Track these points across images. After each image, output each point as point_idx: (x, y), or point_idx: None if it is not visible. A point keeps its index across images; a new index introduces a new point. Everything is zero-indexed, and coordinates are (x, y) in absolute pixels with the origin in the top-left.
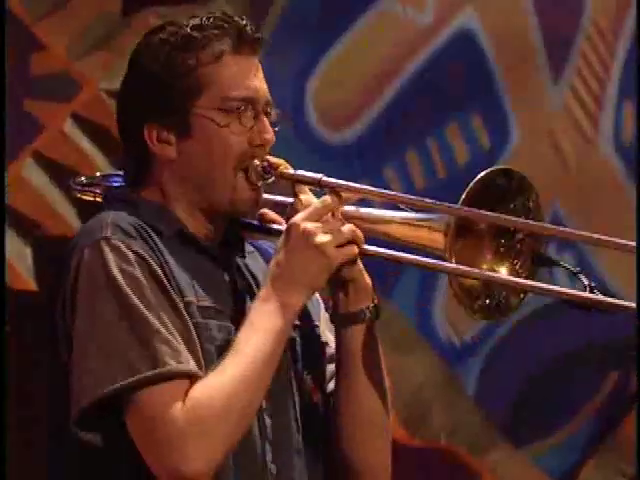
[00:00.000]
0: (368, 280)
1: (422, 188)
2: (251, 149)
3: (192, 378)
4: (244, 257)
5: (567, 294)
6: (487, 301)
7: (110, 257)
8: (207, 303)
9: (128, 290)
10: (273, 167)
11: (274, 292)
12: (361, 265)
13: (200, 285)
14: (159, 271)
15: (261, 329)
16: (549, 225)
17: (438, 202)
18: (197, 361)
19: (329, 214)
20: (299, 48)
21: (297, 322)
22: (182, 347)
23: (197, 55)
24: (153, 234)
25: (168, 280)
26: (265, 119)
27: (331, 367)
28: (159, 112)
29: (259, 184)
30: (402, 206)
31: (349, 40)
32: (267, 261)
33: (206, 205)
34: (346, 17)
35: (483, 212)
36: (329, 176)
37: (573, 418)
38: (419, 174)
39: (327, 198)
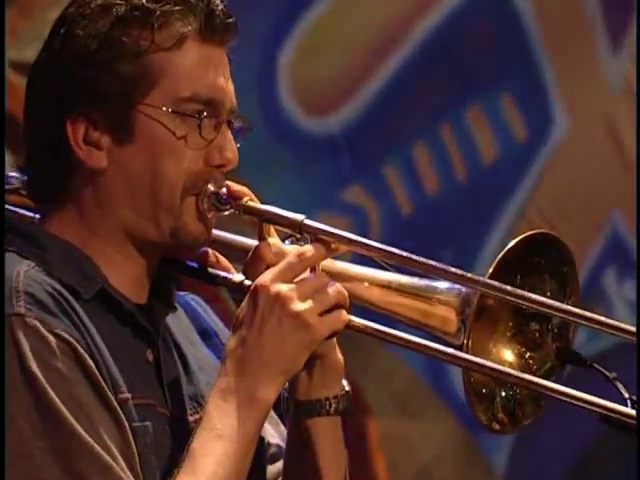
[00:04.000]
0: (340, 358)
1: (435, 194)
2: (207, 169)
3: None
4: (174, 310)
5: (600, 406)
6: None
7: (26, 344)
8: (142, 399)
9: (50, 391)
10: (234, 197)
11: (237, 382)
12: (334, 339)
13: (131, 372)
14: (89, 360)
15: (223, 436)
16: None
17: (460, 271)
18: None
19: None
20: (268, 6)
21: None
22: (121, 469)
23: (152, 35)
24: (73, 301)
25: (99, 370)
26: (229, 132)
27: (274, 468)
28: (91, 103)
29: (210, 215)
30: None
31: None
32: (193, 321)
33: (140, 236)
34: None
35: (519, 292)
36: (310, 217)
37: None
38: (431, 175)
39: (307, 249)
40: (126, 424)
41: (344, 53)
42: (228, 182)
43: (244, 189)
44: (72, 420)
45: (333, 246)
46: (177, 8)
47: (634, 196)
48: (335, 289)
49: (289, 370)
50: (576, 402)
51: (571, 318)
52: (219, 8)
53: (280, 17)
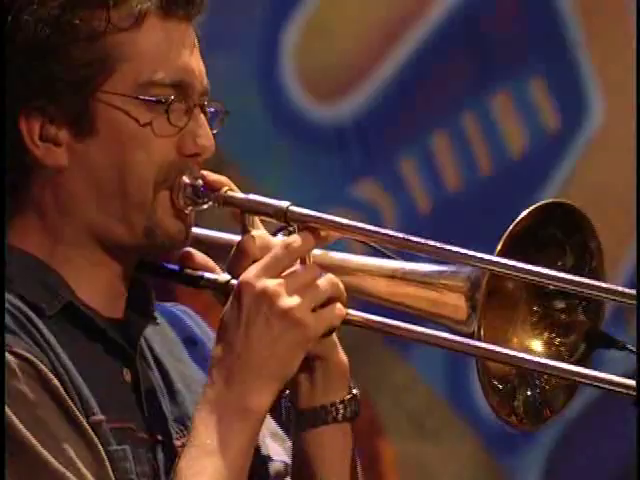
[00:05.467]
0: (344, 358)
1: (457, 188)
2: (181, 159)
3: None
4: (154, 322)
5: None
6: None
7: None
8: (119, 422)
9: (14, 419)
10: (211, 188)
11: (226, 392)
12: (334, 337)
13: (105, 393)
14: (54, 380)
15: (214, 452)
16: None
17: (462, 251)
18: None
19: (297, 261)
20: None
21: None
22: None
23: (107, 14)
24: (35, 318)
25: (67, 390)
26: (202, 117)
27: None
28: (45, 95)
29: (187, 210)
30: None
31: None
32: (180, 332)
33: (110, 239)
34: None
35: (529, 268)
36: (297, 204)
37: None
38: (452, 168)
39: (294, 239)
40: (100, 447)
41: (355, 34)
42: (204, 172)
43: (222, 178)
44: (40, 448)
45: (323, 233)
46: None
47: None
48: (327, 281)
49: (283, 374)
50: (607, 386)
51: (590, 291)
52: None
53: None
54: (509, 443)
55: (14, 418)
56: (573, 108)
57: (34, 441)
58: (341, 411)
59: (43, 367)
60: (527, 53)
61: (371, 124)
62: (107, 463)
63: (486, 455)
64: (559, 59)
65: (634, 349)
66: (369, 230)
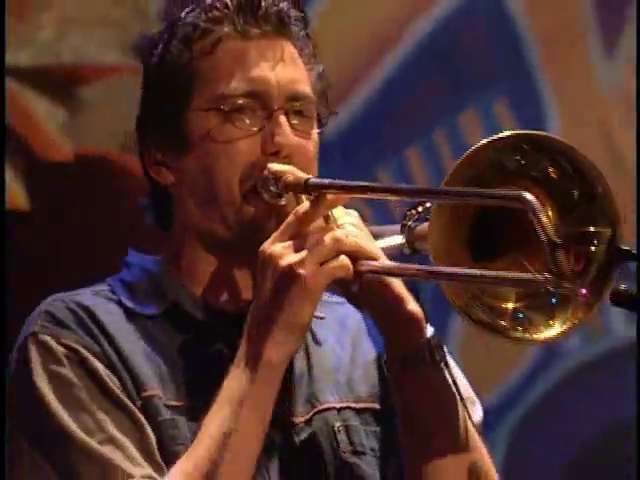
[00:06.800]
0: (413, 308)
1: None
2: (264, 158)
3: None
4: None
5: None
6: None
7: (35, 358)
8: (182, 400)
9: (55, 402)
10: (277, 177)
11: (248, 346)
12: (398, 286)
13: (180, 377)
14: (97, 364)
15: (227, 401)
16: None
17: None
18: (157, 470)
19: (317, 223)
20: None
21: (342, 399)
22: (127, 457)
23: (192, 46)
24: (102, 316)
25: (116, 371)
26: (282, 118)
27: None
28: (153, 127)
29: (282, 202)
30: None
31: None
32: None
33: (213, 238)
34: None
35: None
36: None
37: None
38: (424, 178)
39: (301, 207)
40: (141, 417)
41: (335, 56)
42: (270, 164)
43: (285, 167)
44: (77, 431)
45: (329, 197)
46: (216, 15)
47: (633, 204)
48: (332, 237)
49: (293, 325)
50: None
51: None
52: (254, 2)
53: None
54: None
55: (58, 405)
56: (533, 124)
57: (70, 422)
58: (416, 355)
59: (88, 355)
60: (492, 75)
61: (353, 139)
62: (148, 430)
63: None
64: (521, 80)
65: None
66: (377, 187)
